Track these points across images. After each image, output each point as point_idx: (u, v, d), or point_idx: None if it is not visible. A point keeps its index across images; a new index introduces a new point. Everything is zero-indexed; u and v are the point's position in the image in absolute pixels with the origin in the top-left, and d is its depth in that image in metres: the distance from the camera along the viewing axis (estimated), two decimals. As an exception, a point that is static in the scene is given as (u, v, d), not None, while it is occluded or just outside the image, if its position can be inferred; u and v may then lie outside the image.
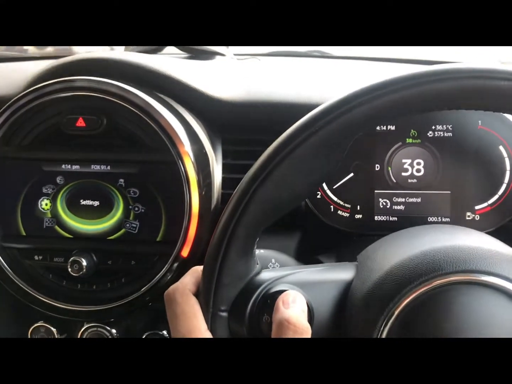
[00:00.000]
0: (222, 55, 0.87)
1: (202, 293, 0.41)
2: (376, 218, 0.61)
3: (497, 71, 0.33)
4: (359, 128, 0.37)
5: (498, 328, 0.36)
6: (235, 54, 0.90)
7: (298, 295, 0.40)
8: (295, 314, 0.38)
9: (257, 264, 0.44)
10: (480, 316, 0.36)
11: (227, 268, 0.39)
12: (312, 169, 0.38)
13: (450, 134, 0.59)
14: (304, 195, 0.40)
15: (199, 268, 0.44)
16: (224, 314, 0.41)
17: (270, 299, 0.41)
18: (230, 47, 0.91)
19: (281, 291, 0.41)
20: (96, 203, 0.61)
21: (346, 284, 0.43)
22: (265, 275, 0.43)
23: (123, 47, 0.84)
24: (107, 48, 0.89)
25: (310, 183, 0.40)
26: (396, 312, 0.37)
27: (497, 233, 0.59)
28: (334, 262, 0.56)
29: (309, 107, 0.38)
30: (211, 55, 0.85)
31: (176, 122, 0.59)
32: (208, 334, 0.40)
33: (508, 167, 0.59)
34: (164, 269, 0.58)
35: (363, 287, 0.41)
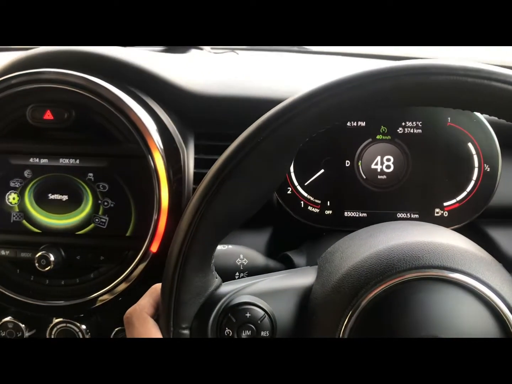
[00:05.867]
0: (199, 48, 0.86)
1: (162, 313, 0.41)
2: (346, 214, 0.61)
3: (435, 67, 0.33)
4: (304, 134, 0.36)
5: (455, 321, 0.37)
6: (212, 48, 0.89)
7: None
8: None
9: (216, 278, 0.43)
10: (437, 311, 0.37)
11: (185, 286, 0.39)
12: (263, 177, 0.37)
13: (420, 130, 0.59)
14: (258, 203, 0.40)
15: (158, 286, 0.44)
16: (186, 331, 0.40)
17: (231, 312, 0.41)
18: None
19: (242, 303, 0.41)
20: (65, 197, 0.60)
21: (307, 289, 0.43)
22: (225, 288, 0.43)
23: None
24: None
25: (262, 191, 0.39)
26: (355, 315, 0.38)
27: (465, 230, 0.59)
28: (301, 262, 0.56)
29: (282, 102, 0.36)
30: (187, 48, 0.84)
31: (146, 115, 0.58)
32: None
33: (476, 164, 0.59)
34: (133, 264, 0.57)
35: (322, 292, 0.41)
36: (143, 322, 0.42)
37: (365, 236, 0.44)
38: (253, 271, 0.53)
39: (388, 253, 0.39)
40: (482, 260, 0.39)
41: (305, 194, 0.62)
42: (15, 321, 0.63)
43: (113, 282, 0.58)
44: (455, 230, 0.59)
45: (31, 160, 0.60)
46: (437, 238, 0.40)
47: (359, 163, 0.61)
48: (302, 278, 0.44)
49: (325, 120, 0.36)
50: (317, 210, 0.61)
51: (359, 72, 0.34)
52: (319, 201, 0.61)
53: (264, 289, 0.42)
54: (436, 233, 0.43)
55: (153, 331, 0.41)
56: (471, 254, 0.39)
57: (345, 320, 0.38)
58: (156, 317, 0.43)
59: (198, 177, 0.64)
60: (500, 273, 0.39)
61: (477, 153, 0.59)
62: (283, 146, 0.36)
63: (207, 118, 0.66)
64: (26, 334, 0.63)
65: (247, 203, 0.39)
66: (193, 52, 0.83)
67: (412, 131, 0.60)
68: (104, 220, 0.60)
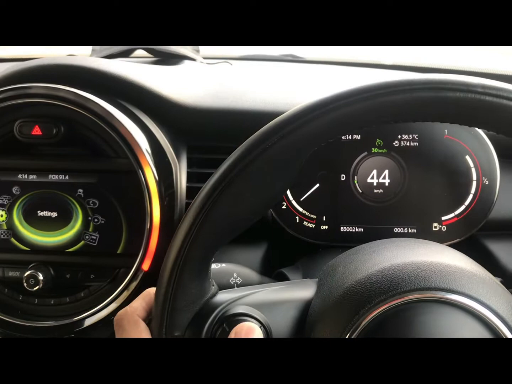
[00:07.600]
0: (192, 59, 0.85)
1: (155, 318, 0.39)
2: (342, 229, 0.60)
3: (451, 82, 0.32)
4: (314, 143, 0.35)
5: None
6: (205, 58, 0.88)
7: (252, 330, 0.38)
8: None
9: (213, 285, 0.42)
10: (440, 335, 0.35)
11: (180, 292, 0.37)
12: (268, 185, 0.36)
13: (416, 143, 0.58)
14: (260, 211, 0.38)
15: (152, 290, 0.42)
16: None
17: (226, 322, 0.39)
18: (201, 51, 0.89)
19: (237, 314, 0.39)
20: (54, 214, 0.58)
21: (306, 303, 0.41)
22: (221, 297, 0.41)
23: (88, 52, 0.82)
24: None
25: (266, 199, 0.38)
26: (355, 333, 0.36)
27: (463, 244, 0.58)
28: (296, 279, 0.55)
29: (277, 114, 0.36)
30: (179, 59, 0.83)
31: (137, 130, 0.57)
32: None
33: (474, 177, 0.58)
34: (124, 282, 0.56)
35: (322, 306, 0.40)
36: (134, 325, 0.40)
37: (369, 252, 0.42)
38: (247, 290, 0.51)
39: (394, 271, 0.37)
40: (489, 285, 0.37)
41: (300, 209, 0.60)
42: (3, 341, 0.62)
43: (104, 301, 0.56)
44: (453, 244, 0.58)
45: (19, 176, 0.58)
46: (444, 259, 0.39)
47: (355, 177, 0.60)
48: (302, 291, 0.43)
49: (335, 130, 0.35)
50: (313, 225, 0.60)
51: (379, 82, 0.33)
52: (314, 216, 0.60)
53: (262, 300, 0.41)
54: (442, 254, 0.41)
55: (144, 336, 0.39)
56: (478, 278, 0.37)
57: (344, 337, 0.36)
58: (148, 321, 0.41)
59: (190, 191, 0.63)
60: (508, 299, 0.38)
61: (475, 166, 0.58)
62: (292, 154, 0.35)
63: (200, 131, 0.65)
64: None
65: (250, 210, 0.37)
66: (186, 64, 0.82)
67: (408, 144, 0.58)
68: (94, 237, 0.58)
